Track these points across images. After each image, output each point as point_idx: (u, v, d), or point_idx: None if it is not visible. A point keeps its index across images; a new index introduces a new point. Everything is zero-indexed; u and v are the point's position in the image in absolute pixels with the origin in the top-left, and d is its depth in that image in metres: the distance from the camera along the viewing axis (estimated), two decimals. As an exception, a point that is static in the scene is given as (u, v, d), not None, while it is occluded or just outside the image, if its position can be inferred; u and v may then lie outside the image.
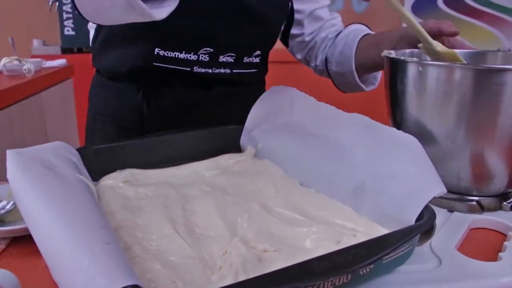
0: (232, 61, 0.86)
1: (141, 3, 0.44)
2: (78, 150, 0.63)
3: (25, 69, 1.93)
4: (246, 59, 0.89)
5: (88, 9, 0.59)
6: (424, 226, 0.44)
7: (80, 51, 3.29)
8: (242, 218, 0.54)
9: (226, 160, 0.72)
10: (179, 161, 0.71)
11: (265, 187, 0.62)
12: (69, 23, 3.18)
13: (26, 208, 0.42)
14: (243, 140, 0.77)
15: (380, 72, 1.02)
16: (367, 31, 1.00)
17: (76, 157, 0.60)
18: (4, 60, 1.97)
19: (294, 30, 1.00)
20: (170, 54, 0.82)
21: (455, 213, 0.62)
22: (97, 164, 0.65)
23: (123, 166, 0.67)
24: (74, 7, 0.61)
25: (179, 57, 0.82)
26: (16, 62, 1.97)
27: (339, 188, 0.58)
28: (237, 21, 0.83)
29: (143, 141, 0.72)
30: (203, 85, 0.88)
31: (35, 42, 3.20)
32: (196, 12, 0.79)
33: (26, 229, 0.56)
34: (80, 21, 3.17)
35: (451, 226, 0.58)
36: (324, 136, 0.64)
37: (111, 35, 0.87)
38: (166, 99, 0.88)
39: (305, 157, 0.65)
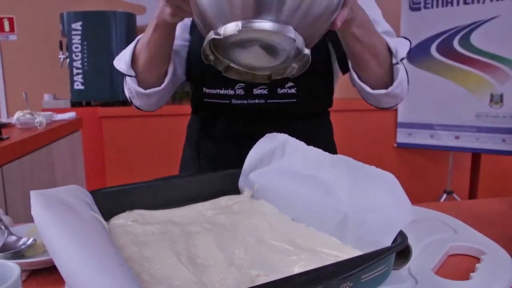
0: (266, 92, 1.00)
1: None
2: (91, 192, 0.70)
3: (37, 122, 2.03)
4: (280, 90, 1.00)
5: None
6: (395, 248, 0.50)
7: (88, 104, 3.44)
8: (239, 250, 0.60)
9: (226, 201, 0.79)
10: (183, 203, 0.77)
11: (260, 224, 0.69)
12: (78, 78, 3.33)
13: (49, 238, 0.49)
14: (241, 182, 0.84)
15: (399, 74, 0.96)
16: None
17: (89, 199, 0.67)
18: (18, 113, 2.08)
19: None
20: (213, 91, 1.02)
21: (434, 240, 0.68)
22: (108, 205, 0.72)
23: (131, 207, 0.74)
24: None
25: (220, 93, 1.01)
26: (28, 116, 2.08)
27: (326, 221, 0.64)
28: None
29: (149, 184, 0.78)
30: (248, 118, 1.03)
31: (46, 97, 3.34)
32: None
33: (44, 262, 0.62)
34: (89, 76, 3.34)
35: (430, 252, 0.64)
36: (312, 176, 0.71)
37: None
38: (217, 130, 1.07)
39: (296, 196, 0.72)
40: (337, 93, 3.68)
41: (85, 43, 3.32)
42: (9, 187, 1.59)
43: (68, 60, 3.37)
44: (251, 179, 0.81)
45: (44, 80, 3.75)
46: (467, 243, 0.67)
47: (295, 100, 1.02)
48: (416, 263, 0.60)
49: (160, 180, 0.79)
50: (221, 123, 1.07)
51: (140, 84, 0.97)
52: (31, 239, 0.65)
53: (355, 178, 0.64)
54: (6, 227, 0.66)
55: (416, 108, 3.53)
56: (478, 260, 0.63)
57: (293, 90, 1.01)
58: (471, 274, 0.57)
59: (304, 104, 1.04)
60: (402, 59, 0.94)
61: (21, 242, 0.64)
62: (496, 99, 3.20)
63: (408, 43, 1.01)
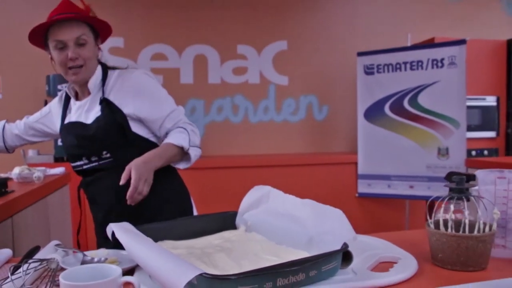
0: (97, 158, 1.49)
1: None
2: (136, 227, 0.95)
3: (35, 177, 2.25)
4: (102, 157, 1.48)
5: None
6: (340, 250, 0.79)
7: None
8: (244, 261, 0.86)
9: (227, 233, 1.06)
10: (198, 235, 1.04)
11: (254, 246, 0.96)
12: (62, 135, 3.55)
13: (136, 250, 0.75)
14: (238, 221, 1.12)
15: (192, 154, 1.50)
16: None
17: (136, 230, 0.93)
18: (17, 169, 2.29)
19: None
20: (74, 164, 1.55)
21: (372, 253, 0.97)
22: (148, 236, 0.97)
23: (162, 239, 1.00)
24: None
25: (77, 164, 1.54)
26: (27, 171, 2.29)
27: (298, 242, 0.93)
28: (84, 144, 1.49)
29: (174, 222, 1.05)
30: (92, 173, 1.53)
31: (31, 152, 3.52)
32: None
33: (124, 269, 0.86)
34: (72, 133, 3.55)
35: (367, 259, 0.94)
36: (289, 214, 1.00)
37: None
38: (84, 182, 1.57)
39: (277, 228, 1.00)
40: (304, 148, 4.24)
41: (69, 102, 3.57)
42: (17, 233, 1.79)
43: (52, 118, 3.60)
44: (244, 218, 1.09)
45: (26, 137, 3.93)
46: (391, 254, 0.97)
47: (109, 161, 1.50)
48: (357, 265, 0.90)
49: (180, 220, 1.06)
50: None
51: None
52: (103, 258, 0.89)
53: (317, 213, 0.93)
54: (81, 251, 0.90)
55: (374, 161, 3.91)
56: (396, 262, 0.93)
57: (108, 155, 1.49)
58: (390, 269, 0.86)
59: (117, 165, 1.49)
60: (188, 149, 1.45)
61: (95, 259, 0.88)
62: (443, 152, 3.62)
63: (187, 134, 1.49)
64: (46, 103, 3.64)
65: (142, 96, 1.51)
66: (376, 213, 4.06)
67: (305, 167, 3.95)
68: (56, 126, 1.68)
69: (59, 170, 2.66)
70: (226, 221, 1.10)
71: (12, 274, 0.78)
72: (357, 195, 4.01)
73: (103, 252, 0.95)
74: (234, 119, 4.40)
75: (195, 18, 4.28)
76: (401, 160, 3.78)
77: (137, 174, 1.27)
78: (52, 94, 3.57)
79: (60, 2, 1.51)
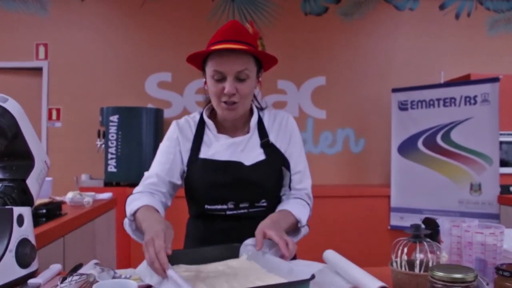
0: (248, 205, 1.39)
1: None
2: None
3: (85, 201, 2.53)
4: (257, 204, 1.39)
5: None
6: (309, 278, 0.94)
7: (118, 184, 3.95)
8: (236, 283, 1.04)
9: (232, 261, 1.23)
10: (208, 261, 1.22)
11: (249, 273, 1.12)
12: (112, 162, 3.88)
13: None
14: (241, 250, 1.26)
15: (301, 232, 1.38)
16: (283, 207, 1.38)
17: None
18: (70, 193, 2.58)
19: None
20: (212, 207, 1.39)
21: (345, 283, 1.12)
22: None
23: (178, 263, 1.19)
24: None
25: (217, 207, 1.38)
26: (79, 196, 2.58)
27: (282, 272, 1.09)
28: (240, 188, 1.36)
29: (187, 251, 1.24)
30: (234, 219, 1.40)
31: (83, 176, 3.87)
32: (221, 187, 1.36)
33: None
34: (121, 160, 3.89)
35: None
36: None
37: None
38: (214, 227, 1.41)
39: (270, 262, 1.16)
40: (339, 180, 4.44)
41: (120, 132, 3.91)
42: (67, 251, 2.05)
43: (104, 146, 3.95)
44: (247, 249, 1.25)
45: (81, 162, 4.32)
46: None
47: (264, 209, 1.40)
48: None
49: (196, 248, 1.25)
50: (217, 225, 1.42)
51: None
52: (128, 275, 1.10)
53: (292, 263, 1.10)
54: (112, 269, 1.11)
55: (407, 195, 3.97)
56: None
57: (264, 203, 1.39)
58: None
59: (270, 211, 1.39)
60: (303, 226, 1.35)
61: (123, 276, 1.09)
62: (475, 188, 3.64)
63: (308, 210, 1.41)
64: (99, 132, 4.00)
65: (294, 144, 1.46)
66: (409, 247, 4.09)
67: (339, 198, 4.07)
68: (182, 160, 1.43)
69: (106, 195, 2.94)
70: (234, 251, 1.28)
71: (61, 283, 1.01)
72: (389, 227, 4.07)
73: (130, 271, 1.16)
74: (272, 150, 4.59)
75: (238, 54, 4.57)
76: (433, 194, 3.83)
77: (277, 235, 1.13)
78: (105, 124, 3.93)
79: (228, 23, 1.35)
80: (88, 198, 2.55)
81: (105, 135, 3.94)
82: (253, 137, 1.42)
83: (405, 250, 0.98)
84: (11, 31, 4.44)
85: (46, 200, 2.18)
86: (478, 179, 3.63)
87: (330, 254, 1.26)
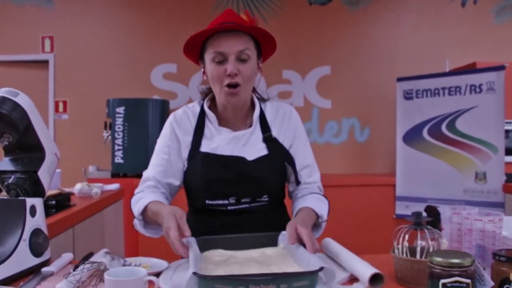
0: (249, 200, 1.37)
1: None
2: (196, 239, 1.16)
3: (93, 193, 2.57)
4: (258, 199, 1.38)
5: None
6: (317, 270, 0.96)
7: (125, 175, 4.00)
8: (271, 268, 1.05)
9: (268, 249, 1.23)
10: (245, 248, 1.22)
11: (277, 261, 1.13)
12: (119, 153, 3.92)
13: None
14: (280, 239, 1.25)
15: (321, 228, 1.38)
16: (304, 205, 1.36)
17: (194, 241, 1.14)
18: (78, 185, 2.62)
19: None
20: (214, 202, 1.37)
21: (342, 272, 1.14)
22: (203, 244, 1.18)
23: (216, 248, 1.20)
24: None
25: (219, 203, 1.37)
26: (87, 187, 2.62)
27: (303, 262, 1.10)
28: (242, 184, 1.35)
29: (228, 237, 1.24)
30: (235, 214, 1.39)
31: (91, 168, 3.92)
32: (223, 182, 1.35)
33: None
34: (127, 152, 3.93)
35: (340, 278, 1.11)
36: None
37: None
38: (215, 222, 1.39)
39: (301, 256, 1.16)
40: (345, 169, 4.47)
41: (126, 124, 3.94)
42: (77, 241, 2.09)
43: (110, 137, 3.99)
44: (284, 238, 1.22)
45: (88, 154, 4.37)
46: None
47: (266, 203, 1.39)
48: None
49: (237, 235, 1.25)
50: (218, 220, 1.39)
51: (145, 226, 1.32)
52: (138, 263, 1.13)
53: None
54: (122, 257, 1.15)
55: (412, 184, 3.99)
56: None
57: (266, 198, 1.38)
58: (354, 283, 1.04)
59: (273, 206, 1.43)
60: (324, 220, 1.34)
61: (133, 264, 1.13)
62: (480, 177, 3.65)
63: (327, 205, 1.41)
64: (106, 124, 4.04)
65: (299, 138, 1.46)
66: (414, 235, 4.11)
67: (345, 188, 4.09)
68: (182, 156, 1.42)
69: (114, 186, 2.98)
70: (272, 239, 1.26)
71: (73, 271, 1.05)
72: (394, 216, 4.09)
73: (140, 260, 1.20)
74: (277, 140, 4.62)
75: (242, 45, 4.58)
76: (438, 183, 3.84)
77: (307, 235, 1.11)
78: (111, 116, 3.96)
79: (224, 11, 1.36)
80: (96, 189, 2.59)
81: (111, 127, 3.98)
82: (256, 131, 1.41)
83: (407, 237, 1.00)
84: (17, 24, 4.47)
85: (55, 191, 2.22)
86: (483, 168, 3.64)
87: (328, 242, 1.29)
